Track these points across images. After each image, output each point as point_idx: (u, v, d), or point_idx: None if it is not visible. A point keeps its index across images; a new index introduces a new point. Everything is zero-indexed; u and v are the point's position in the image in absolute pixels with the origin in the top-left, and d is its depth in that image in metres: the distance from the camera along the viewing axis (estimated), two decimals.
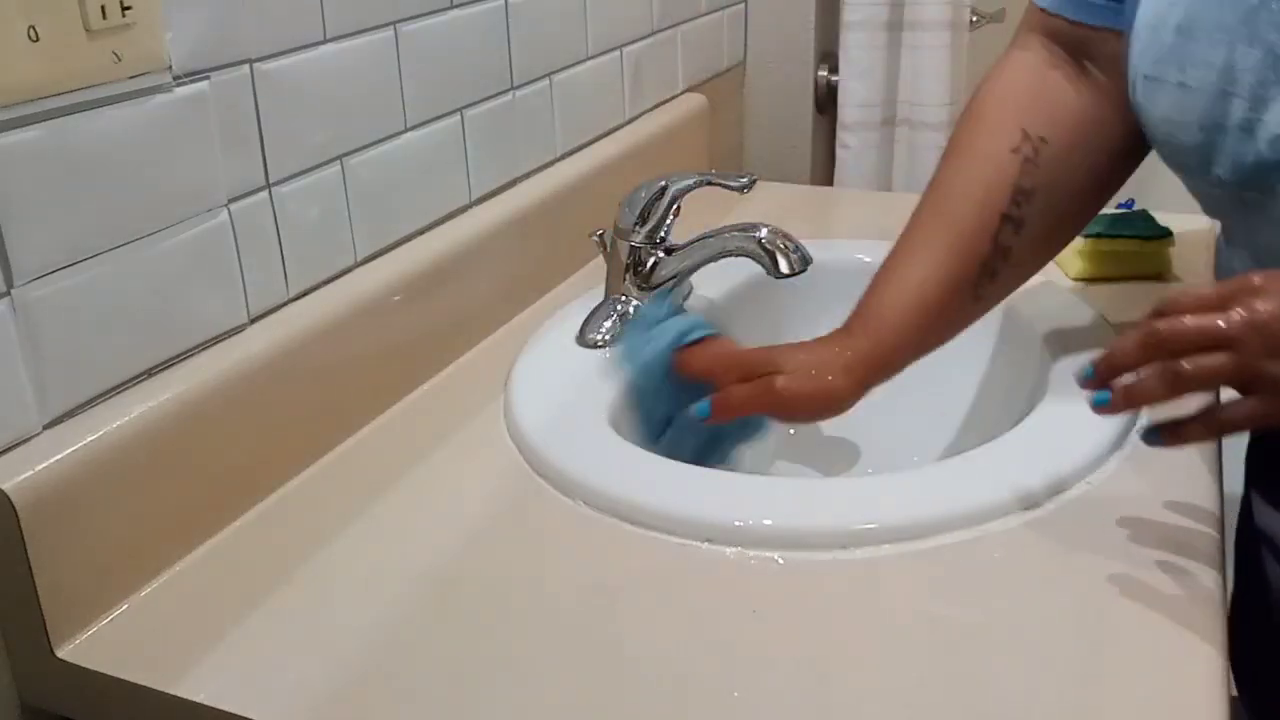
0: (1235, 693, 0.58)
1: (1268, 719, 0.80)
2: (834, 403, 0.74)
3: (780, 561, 0.62)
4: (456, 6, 0.85)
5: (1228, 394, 0.57)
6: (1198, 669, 0.53)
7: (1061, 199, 0.74)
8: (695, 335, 0.77)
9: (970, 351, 0.91)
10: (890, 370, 0.75)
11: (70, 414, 0.60)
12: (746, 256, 0.81)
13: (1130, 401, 0.57)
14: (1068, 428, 0.72)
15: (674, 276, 0.86)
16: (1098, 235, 0.95)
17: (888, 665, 0.55)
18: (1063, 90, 0.75)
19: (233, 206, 0.68)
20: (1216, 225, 0.74)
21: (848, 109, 1.40)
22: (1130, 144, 0.73)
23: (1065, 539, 0.63)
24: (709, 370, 0.75)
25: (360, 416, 0.77)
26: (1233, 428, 0.58)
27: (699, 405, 0.73)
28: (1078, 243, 0.95)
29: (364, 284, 0.77)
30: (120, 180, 0.60)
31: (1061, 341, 0.83)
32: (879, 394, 0.94)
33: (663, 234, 0.85)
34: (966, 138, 0.77)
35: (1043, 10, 0.76)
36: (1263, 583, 0.75)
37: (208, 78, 0.65)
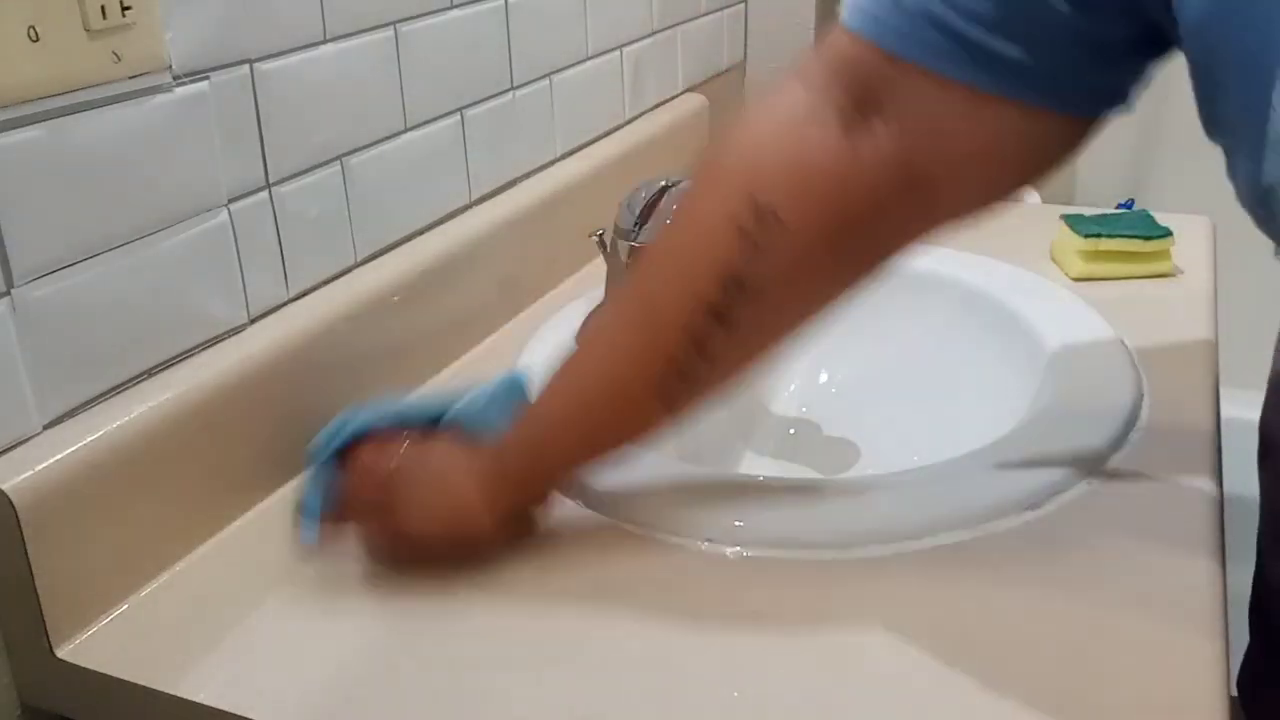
0: (1235, 693, 0.58)
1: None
2: (468, 549, 0.60)
3: (780, 562, 0.62)
4: (456, 6, 0.85)
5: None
6: (1198, 669, 0.53)
7: (784, 292, 0.57)
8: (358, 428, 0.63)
9: (970, 352, 0.92)
10: (536, 489, 0.62)
11: (70, 414, 0.60)
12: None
13: None
14: (1068, 428, 0.72)
15: None
16: (1098, 235, 0.95)
17: (888, 665, 0.55)
18: (824, 150, 0.55)
19: (233, 206, 0.68)
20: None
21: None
22: (903, 235, 0.57)
23: (1065, 539, 0.63)
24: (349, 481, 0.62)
25: None
26: None
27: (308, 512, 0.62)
28: (1078, 243, 0.95)
29: (364, 284, 0.77)
30: (120, 180, 0.60)
31: (1061, 341, 0.83)
32: (879, 394, 0.94)
33: None
34: (688, 199, 0.60)
35: (849, 33, 0.54)
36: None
37: (208, 78, 0.65)
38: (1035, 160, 0.55)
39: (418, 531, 0.61)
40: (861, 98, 0.54)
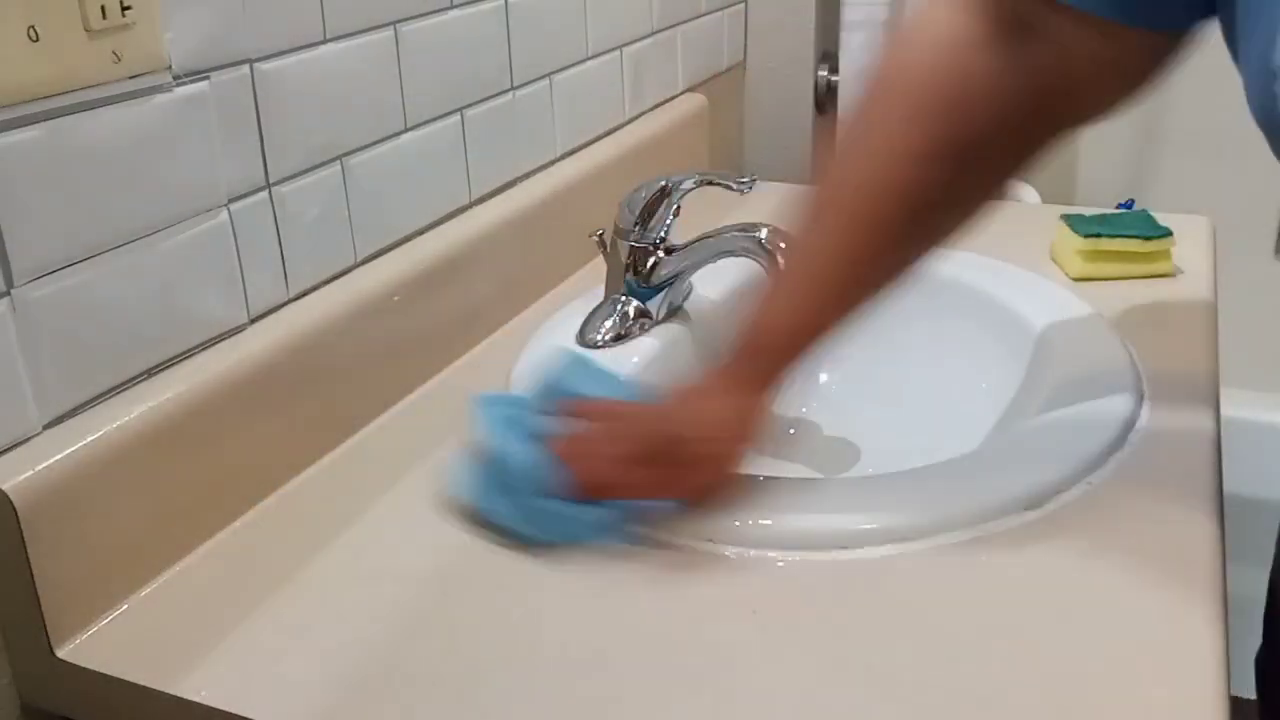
0: (1235, 693, 0.58)
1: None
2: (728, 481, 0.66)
3: (780, 562, 0.62)
4: (456, 6, 0.85)
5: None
6: (1198, 669, 0.53)
7: (968, 196, 0.66)
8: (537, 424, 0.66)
9: (970, 352, 0.92)
10: (780, 372, 0.68)
11: (70, 414, 0.60)
12: (746, 256, 0.81)
13: None
14: (1067, 428, 0.72)
15: (674, 276, 0.86)
16: (1098, 235, 0.95)
17: (888, 665, 0.55)
18: (986, 73, 0.62)
19: (233, 206, 0.68)
20: None
21: (848, 109, 1.40)
22: (1047, 132, 0.65)
23: (1065, 539, 0.63)
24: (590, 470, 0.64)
25: (360, 416, 0.77)
26: None
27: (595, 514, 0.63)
28: (1078, 243, 0.95)
29: (364, 284, 0.77)
30: (120, 180, 0.60)
31: (1061, 341, 0.83)
32: (879, 394, 0.94)
33: (663, 234, 0.85)
34: (866, 108, 0.66)
35: None
36: None
37: (208, 78, 0.65)
38: (1149, 73, 0.62)
39: (725, 463, 0.67)
40: (1013, 24, 0.62)
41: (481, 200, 0.92)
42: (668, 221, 0.85)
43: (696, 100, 1.26)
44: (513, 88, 0.94)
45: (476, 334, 0.89)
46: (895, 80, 0.65)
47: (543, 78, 0.98)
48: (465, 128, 0.88)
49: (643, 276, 0.86)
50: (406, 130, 0.82)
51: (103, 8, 0.57)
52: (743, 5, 1.39)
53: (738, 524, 0.64)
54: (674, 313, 0.88)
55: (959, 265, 0.97)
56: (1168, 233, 0.96)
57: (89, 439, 0.58)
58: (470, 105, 0.89)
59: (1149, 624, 0.56)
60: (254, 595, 0.61)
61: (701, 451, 0.66)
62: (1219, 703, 0.51)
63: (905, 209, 0.64)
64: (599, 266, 0.90)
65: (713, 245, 0.83)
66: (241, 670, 0.56)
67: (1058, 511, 0.65)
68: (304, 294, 0.74)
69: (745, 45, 1.42)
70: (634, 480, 0.64)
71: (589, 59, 1.05)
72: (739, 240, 0.81)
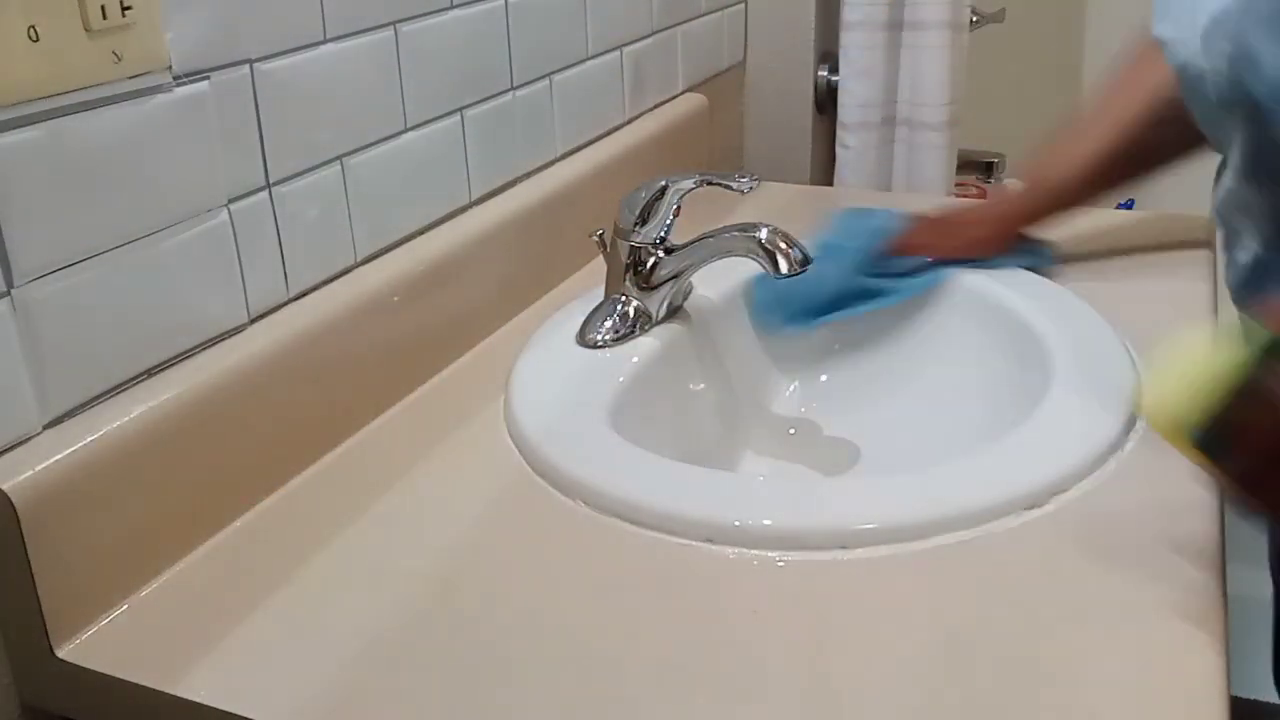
0: (1235, 693, 0.58)
1: None
2: (990, 250, 0.96)
3: (780, 562, 0.62)
4: (456, 6, 0.85)
5: None
6: (1198, 669, 0.53)
7: (1169, 153, 0.89)
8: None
9: (970, 352, 0.92)
10: (1057, 205, 0.96)
11: (70, 414, 0.60)
12: (746, 256, 0.81)
13: None
14: (1068, 428, 0.72)
15: (674, 276, 0.86)
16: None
17: (888, 665, 0.55)
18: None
19: (233, 206, 0.68)
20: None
21: (848, 109, 1.40)
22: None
23: (1065, 539, 0.63)
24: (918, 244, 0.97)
25: (360, 416, 0.78)
26: None
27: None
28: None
29: (364, 284, 0.77)
30: (120, 180, 0.60)
31: (1061, 341, 0.83)
32: (879, 394, 0.94)
33: (663, 234, 0.85)
34: (1133, 82, 0.90)
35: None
36: None
37: (208, 78, 0.65)
38: None
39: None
40: None
41: (481, 200, 0.92)
42: (668, 221, 0.85)
43: (696, 100, 1.26)
44: (513, 88, 0.94)
45: (476, 334, 0.89)
46: (1145, 69, 0.88)
47: (543, 78, 0.98)
48: (465, 128, 0.88)
49: (643, 276, 0.86)
50: (406, 130, 0.82)
51: (103, 8, 0.57)
52: (743, 5, 1.39)
53: (737, 524, 0.64)
54: (674, 313, 0.88)
55: (960, 266, 0.97)
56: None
57: (89, 439, 0.58)
58: (470, 105, 0.89)
59: (1149, 624, 0.56)
60: (254, 595, 0.61)
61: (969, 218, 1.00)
62: (1219, 703, 0.51)
63: (1141, 139, 0.90)
64: (599, 266, 0.90)
65: (713, 245, 0.83)
66: (241, 670, 0.56)
67: (1058, 511, 0.65)
68: (304, 294, 0.74)
69: (745, 45, 1.42)
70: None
71: (589, 59, 1.05)
72: (739, 240, 0.81)
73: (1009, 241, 0.96)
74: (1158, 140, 0.89)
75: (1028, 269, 0.95)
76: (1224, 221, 0.72)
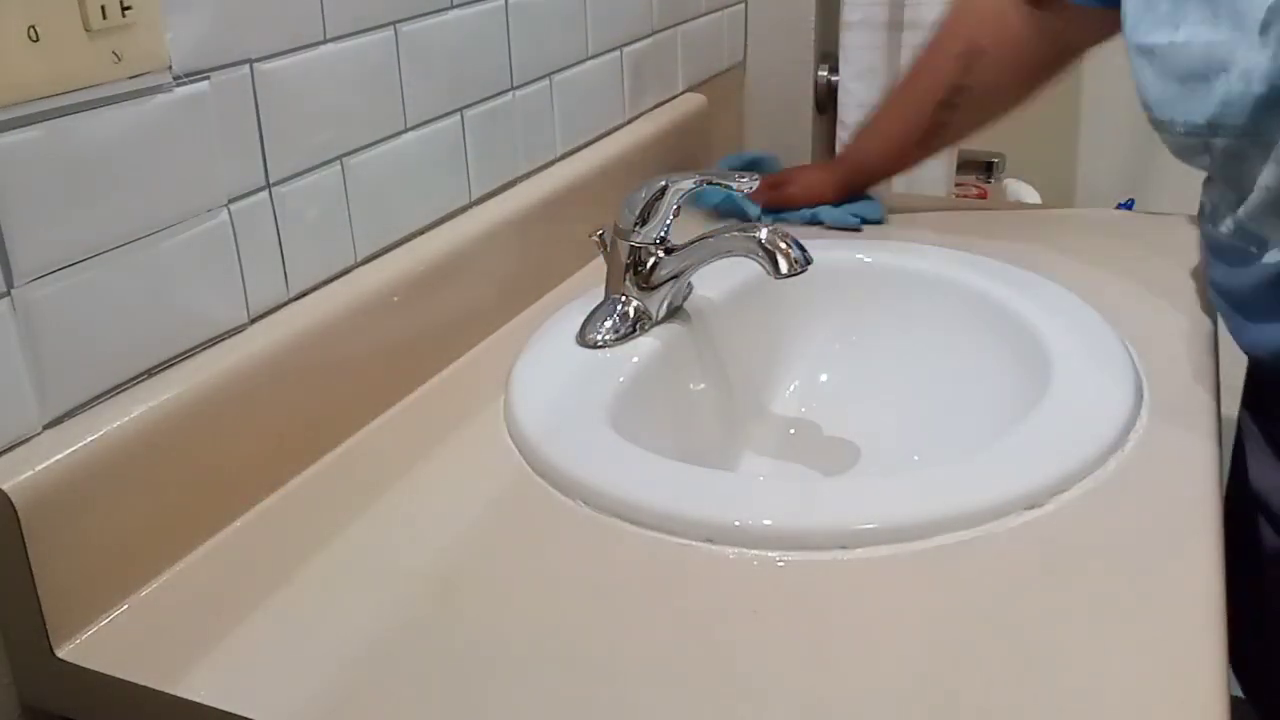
0: (1236, 693, 0.58)
1: (1262, 700, 0.81)
2: (819, 198, 1.11)
3: (780, 562, 0.62)
4: (456, 6, 0.85)
5: None
6: (1198, 669, 0.53)
7: (989, 94, 1.03)
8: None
9: (970, 352, 0.92)
10: (861, 180, 1.12)
11: (70, 414, 0.60)
12: (746, 256, 0.81)
13: None
14: (1068, 428, 0.72)
15: (674, 276, 0.86)
16: None
17: (888, 665, 0.55)
18: (1014, 16, 0.99)
19: (233, 206, 0.68)
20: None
21: (848, 109, 1.40)
22: (1054, 70, 1.02)
23: (1065, 539, 0.63)
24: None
25: (360, 416, 0.78)
26: None
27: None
28: None
29: (364, 284, 0.77)
30: (120, 180, 0.60)
31: (1061, 341, 0.83)
32: (880, 394, 0.94)
33: (663, 234, 0.85)
34: (933, 38, 1.05)
35: None
36: (1256, 552, 0.76)
37: (208, 78, 0.65)
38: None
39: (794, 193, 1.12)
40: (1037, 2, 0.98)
41: (481, 200, 0.92)
42: (668, 221, 0.85)
43: (696, 100, 1.26)
44: (513, 88, 0.94)
45: (476, 334, 0.89)
46: (955, 10, 1.03)
47: (543, 78, 0.98)
48: (465, 128, 0.88)
49: (643, 276, 0.86)
50: (406, 130, 0.82)
51: (103, 8, 0.57)
52: (743, 5, 1.39)
53: (737, 524, 0.64)
54: (674, 313, 0.88)
55: (959, 265, 0.97)
56: None
57: (89, 439, 0.58)
58: (470, 105, 0.89)
59: (1149, 624, 0.56)
60: (254, 595, 0.61)
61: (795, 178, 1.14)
62: (1219, 703, 0.51)
63: (935, 89, 1.04)
64: (599, 266, 0.90)
65: (713, 245, 0.83)
66: (241, 670, 0.56)
67: (1058, 511, 0.65)
68: (304, 294, 0.74)
69: (745, 45, 1.42)
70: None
71: (589, 59, 1.05)
72: (739, 240, 0.81)
73: (838, 194, 1.11)
74: (946, 124, 1.05)
75: (861, 218, 1.09)
76: (1246, 228, 0.72)
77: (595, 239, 0.88)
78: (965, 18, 1.03)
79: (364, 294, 0.77)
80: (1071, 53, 1.00)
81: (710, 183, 0.84)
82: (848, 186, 1.11)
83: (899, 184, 1.44)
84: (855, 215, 1.10)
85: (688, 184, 0.85)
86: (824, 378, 0.98)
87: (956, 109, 1.03)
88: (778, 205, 1.11)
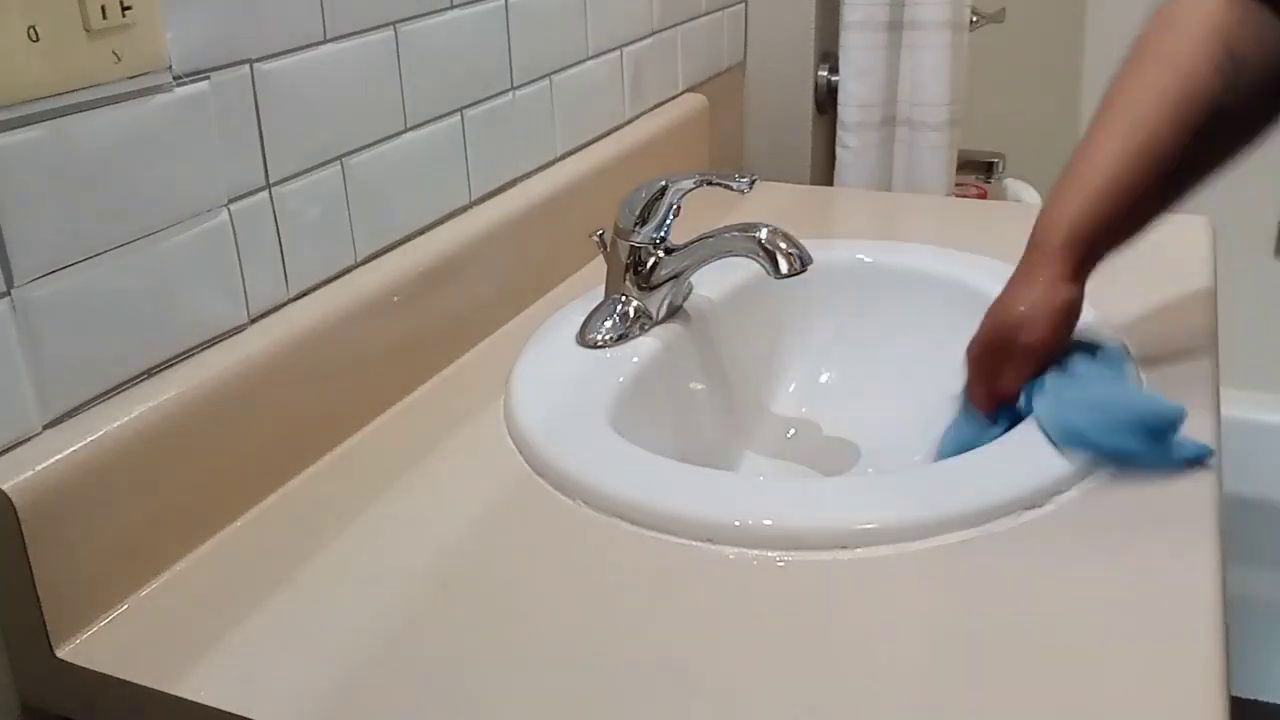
0: (1235, 693, 0.58)
1: None
2: (1069, 316, 0.75)
3: (780, 562, 0.62)
4: (456, 6, 0.85)
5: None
6: (1198, 669, 0.53)
7: (1252, 116, 0.74)
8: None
9: None
10: (1093, 263, 0.77)
11: (70, 414, 0.60)
12: (746, 256, 0.81)
13: None
14: None
15: (674, 276, 0.86)
16: None
17: (888, 665, 0.55)
18: (1263, 14, 0.71)
19: (233, 206, 0.68)
20: None
21: (848, 109, 1.40)
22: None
23: (1065, 539, 0.63)
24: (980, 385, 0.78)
25: (360, 416, 0.78)
26: None
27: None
28: None
29: (364, 284, 0.77)
30: (120, 180, 0.60)
31: None
32: (879, 394, 0.94)
33: (663, 234, 0.85)
34: (1158, 46, 0.74)
35: None
36: None
37: (208, 78, 0.65)
38: None
39: (1041, 336, 0.74)
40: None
41: (481, 200, 0.92)
42: (668, 221, 0.85)
43: (696, 100, 1.26)
44: (513, 88, 0.94)
45: (476, 334, 0.89)
46: (1174, 15, 0.74)
47: (543, 78, 0.98)
48: (465, 128, 0.88)
49: (643, 276, 0.86)
50: (406, 130, 0.82)
51: (103, 8, 0.57)
52: (743, 5, 1.39)
53: (737, 524, 0.64)
54: (674, 313, 0.88)
55: (959, 265, 0.97)
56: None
57: (89, 439, 0.58)
58: (470, 105, 0.89)
59: (1149, 624, 0.56)
60: (254, 595, 0.61)
61: (1027, 340, 0.74)
62: (1219, 703, 0.51)
63: (1188, 118, 0.72)
64: (599, 266, 0.90)
65: (713, 245, 0.83)
66: (241, 670, 0.56)
67: (1058, 511, 0.65)
68: (304, 294, 0.74)
69: (745, 45, 1.42)
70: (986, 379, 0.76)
71: (589, 59, 1.05)
72: (739, 240, 0.81)
73: (1067, 331, 0.76)
74: (1193, 154, 0.73)
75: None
76: None
77: (595, 239, 0.88)
78: (1198, 17, 0.72)
79: (364, 294, 0.77)
80: None
81: (710, 183, 0.84)
82: (1082, 286, 0.76)
83: (898, 184, 1.44)
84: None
85: (688, 184, 0.85)
86: (824, 378, 0.98)
87: (1214, 142, 0.73)
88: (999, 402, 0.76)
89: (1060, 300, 0.74)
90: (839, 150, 1.43)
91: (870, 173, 1.43)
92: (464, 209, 0.90)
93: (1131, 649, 0.55)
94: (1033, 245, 0.77)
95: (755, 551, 0.63)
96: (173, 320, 0.65)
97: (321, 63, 0.73)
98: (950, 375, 0.92)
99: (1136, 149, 0.73)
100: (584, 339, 0.85)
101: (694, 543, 0.64)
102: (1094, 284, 0.95)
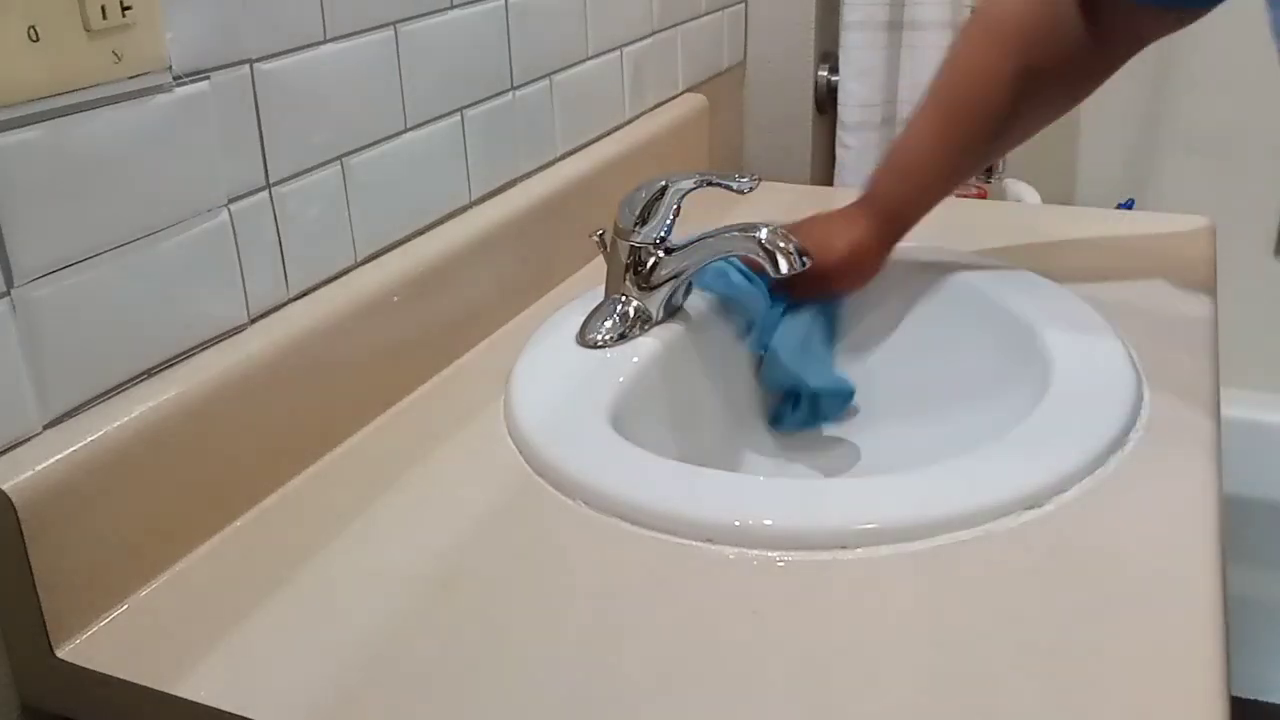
0: (1235, 693, 0.58)
1: None
2: (866, 267, 0.91)
3: (780, 562, 0.62)
4: (456, 6, 0.85)
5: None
6: (1198, 669, 0.53)
7: (1037, 114, 0.91)
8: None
9: (970, 351, 0.92)
10: (906, 226, 0.92)
11: (70, 414, 0.60)
12: (746, 256, 0.81)
13: None
14: (1068, 428, 0.72)
15: (674, 276, 0.86)
16: None
17: (888, 665, 0.55)
18: (1070, 26, 0.86)
19: (233, 206, 0.68)
20: None
21: (848, 109, 1.40)
22: (1103, 78, 0.90)
23: (1065, 539, 0.63)
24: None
25: (360, 416, 0.78)
26: None
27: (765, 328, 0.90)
28: None
29: (364, 284, 0.77)
30: (120, 180, 0.60)
31: (1061, 341, 0.83)
32: (879, 394, 0.94)
33: (663, 234, 0.85)
34: (970, 50, 0.90)
35: None
36: None
37: (208, 78, 0.65)
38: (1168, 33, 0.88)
39: (831, 268, 0.89)
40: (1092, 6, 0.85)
41: (481, 200, 0.92)
42: (668, 221, 0.85)
43: (696, 100, 1.26)
44: (513, 88, 0.94)
45: (476, 334, 0.89)
46: (991, 17, 0.89)
47: (543, 78, 0.98)
48: (465, 128, 0.88)
49: (643, 276, 0.86)
50: (406, 130, 0.82)
51: (103, 8, 0.57)
52: (743, 5, 1.39)
53: (737, 524, 0.64)
54: (674, 313, 0.88)
55: (959, 265, 0.97)
56: None
57: (89, 439, 0.58)
58: (470, 105, 0.89)
59: (1149, 624, 0.56)
60: (254, 595, 0.61)
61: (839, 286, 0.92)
62: (1219, 703, 0.51)
63: (988, 119, 0.88)
64: (599, 266, 0.90)
65: (713, 245, 0.83)
66: (241, 670, 0.56)
67: (1058, 511, 0.65)
68: (304, 294, 0.74)
69: (745, 45, 1.42)
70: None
71: (589, 59, 1.05)
72: (739, 240, 0.81)
73: (881, 257, 0.91)
74: (990, 154, 0.94)
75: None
76: None
77: (595, 239, 0.88)
78: (1008, 28, 0.87)
79: (364, 294, 0.77)
80: (1124, 57, 0.89)
81: (710, 183, 0.84)
82: (888, 244, 0.92)
83: None
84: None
85: (688, 184, 0.85)
86: None
87: (1003, 138, 0.91)
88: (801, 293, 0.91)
89: (876, 266, 0.92)
90: (839, 150, 1.43)
91: (870, 172, 1.42)
92: (464, 209, 0.90)
93: (1131, 649, 0.55)
94: (866, 199, 0.93)
95: (755, 551, 0.63)
96: (172, 320, 0.65)
97: (321, 63, 0.73)
98: (950, 375, 0.92)
99: (946, 154, 0.91)
100: (584, 339, 0.85)
101: (694, 543, 0.64)
102: (1094, 283, 0.95)
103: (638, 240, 0.85)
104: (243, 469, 0.68)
